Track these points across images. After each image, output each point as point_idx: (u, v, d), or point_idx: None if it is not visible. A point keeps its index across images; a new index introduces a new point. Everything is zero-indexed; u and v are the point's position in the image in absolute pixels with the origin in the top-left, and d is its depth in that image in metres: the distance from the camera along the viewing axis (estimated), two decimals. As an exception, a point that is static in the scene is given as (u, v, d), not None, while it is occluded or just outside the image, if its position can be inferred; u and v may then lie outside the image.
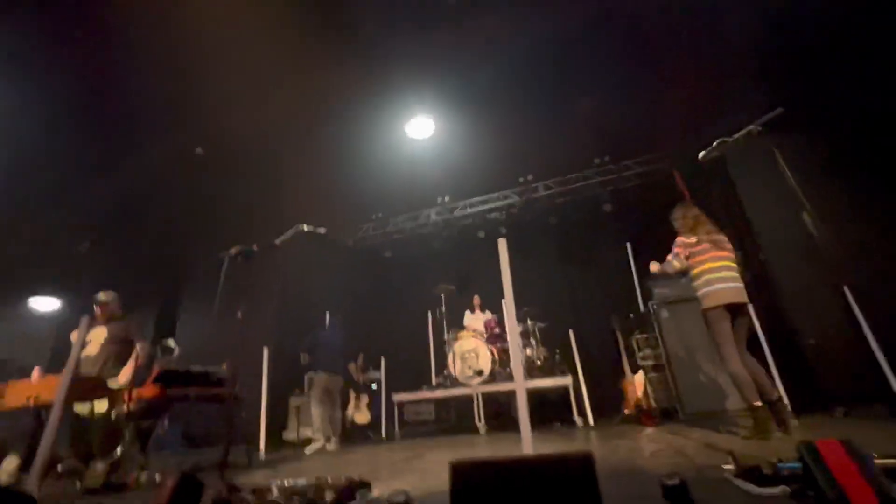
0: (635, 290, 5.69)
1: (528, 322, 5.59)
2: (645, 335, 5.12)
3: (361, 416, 5.86)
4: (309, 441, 4.78)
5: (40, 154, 5.78)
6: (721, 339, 2.77)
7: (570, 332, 5.22)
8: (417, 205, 8.10)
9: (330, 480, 1.75)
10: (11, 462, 2.86)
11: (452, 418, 6.32)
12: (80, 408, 3.15)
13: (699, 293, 2.89)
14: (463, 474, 1.06)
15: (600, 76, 5.55)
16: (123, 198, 6.95)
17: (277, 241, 2.36)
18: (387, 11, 5.02)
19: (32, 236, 7.08)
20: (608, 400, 5.11)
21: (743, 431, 2.68)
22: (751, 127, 1.64)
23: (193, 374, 3.38)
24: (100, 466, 2.71)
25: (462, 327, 6.03)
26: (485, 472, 1.06)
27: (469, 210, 7.86)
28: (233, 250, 2.20)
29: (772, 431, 2.48)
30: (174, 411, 4.02)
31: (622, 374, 4.83)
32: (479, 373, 5.14)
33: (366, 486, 1.74)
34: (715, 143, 1.87)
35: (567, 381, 4.71)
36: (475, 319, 6.30)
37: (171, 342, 3.71)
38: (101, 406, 3.25)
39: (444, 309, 6.32)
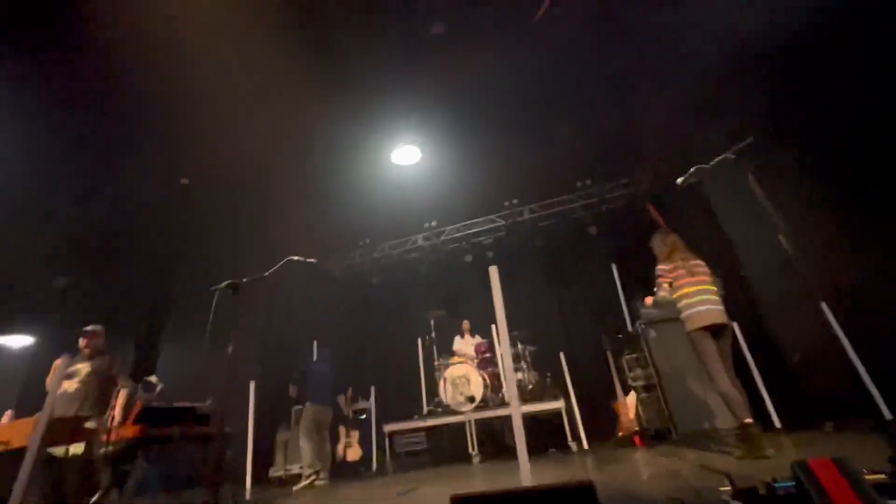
0: (623, 310, 5.76)
1: (519, 346, 5.58)
2: (635, 355, 5.15)
3: (353, 453, 5.66)
4: (297, 478, 4.60)
5: (14, 180, 5.63)
6: (707, 359, 2.83)
7: (562, 355, 5.22)
8: (405, 231, 8.14)
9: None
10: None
11: (445, 447, 6.17)
12: (56, 449, 3.00)
13: (681, 316, 2.99)
14: (464, 508, 1.04)
15: (580, 103, 5.78)
16: (101, 229, 6.82)
17: (267, 273, 2.35)
18: (372, 42, 5.17)
19: (1, 268, 6.84)
20: (601, 422, 5.08)
21: (736, 451, 2.69)
22: (725, 154, 1.74)
23: (177, 410, 3.26)
24: (75, 514, 2.56)
25: (452, 353, 5.98)
26: (486, 506, 1.05)
27: (456, 234, 7.93)
28: (223, 283, 2.17)
29: (764, 448, 2.50)
30: (154, 450, 3.85)
31: (614, 395, 4.83)
32: (471, 399, 5.07)
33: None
34: (692, 170, 1.97)
35: (560, 404, 4.68)
36: (465, 344, 6.26)
37: (153, 378, 3.58)
38: (77, 447, 3.09)
39: (433, 334, 6.27)
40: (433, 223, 7.96)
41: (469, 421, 4.96)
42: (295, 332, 7.10)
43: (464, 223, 7.90)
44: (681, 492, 1.80)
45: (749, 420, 2.63)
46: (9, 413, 3.16)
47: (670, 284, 2.99)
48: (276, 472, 5.52)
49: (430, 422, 5.17)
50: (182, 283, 7.66)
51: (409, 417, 5.42)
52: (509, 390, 1.86)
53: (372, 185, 6.92)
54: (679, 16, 4.28)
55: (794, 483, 1.21)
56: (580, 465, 3.62)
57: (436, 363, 5.85)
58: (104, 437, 3.05)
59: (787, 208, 2.02)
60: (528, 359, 5.60)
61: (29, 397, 3.92)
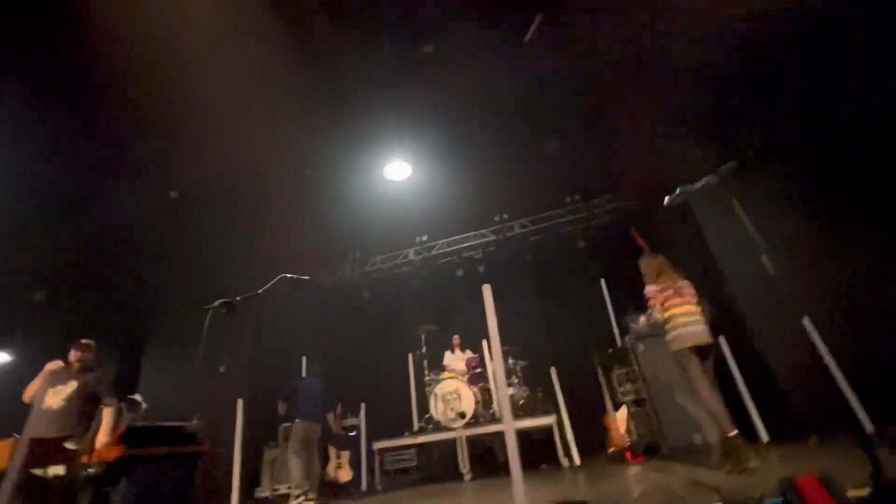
0: (612, 325, 5.81)
1: (510, 360, 5.58)
2: (624, 370, 5.19)
3: (344, 474, 5.54)
4: (285, 498, 4.49)
5: None
6: (693, 376, 2.93)
7: (552, 370, 5.23)
8: (396, 245, 8.16)
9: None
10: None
11: (435, 464, 6.09)
12: (36, 470, 2.89)
13: (668, 336, 3.09)
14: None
15: (568, 121, 5.92)
16: (85, 242, 6.69)
17: (260, 291, 2.34)
18: (366, 60, 5.25)
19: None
20: (592, 437, 5.08)
21: (725, 466, 2.73)
22: (709, 177, 1.81)
23: (163, 430, 3.19)
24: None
25: (443, 368, 5.95)
26: (483, 526, 1.05)
27: (447, 249, 7.97)
28: (216, 303, 2.16)
29: (748, 459, 2.56)
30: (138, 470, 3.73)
31: (604, 410, 4.85)
32: (462, 415, 5.03)
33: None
34: (678, 191, 2.04)
35: (551, 420, 4.68)
36: (455, 359, 6.23)
37: (137, 397, 3.50)
38: (57, 468, 2.99)
39: (424, 349, 6.23)
40: (424, 237, 8.00)
41: (460, 437, 4.92)
42: (283, 346, 7.00)
43: (455, 237, 7.95)
44: (672, 508, 1.82)
45: (733, 433, 2.69)
46: (-16, 433, 3.03)
47: (661, 304, 3.07)
48: (262, 492, 5.39)
49: (422, 438, 5.11)
50: (167, 299, 7.52)
51: (399, 434, 5.36)
52: (503, 408, 1.87)
53: (363, 200, 6.95)
54: (665, 39, 4.45)
55: (781, 499, 1.24)
56: (573, 482, 3.61)
57: (426, 378, 5.81)
58: (85, 458, 2.96)
59: (770, 228, 2.10)
60: (520, 374, 5.60)
61: (2, 416, 3.78)
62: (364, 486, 5.42)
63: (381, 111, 5.84)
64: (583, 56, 5.04)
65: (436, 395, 5.24)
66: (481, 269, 7.84)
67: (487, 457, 5.61)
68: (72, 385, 3.23)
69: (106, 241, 6.82)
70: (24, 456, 2.06)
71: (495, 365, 1.85)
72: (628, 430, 4.56)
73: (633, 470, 3.66)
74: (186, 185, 6.38)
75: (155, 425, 3.25)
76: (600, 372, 5.17)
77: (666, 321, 3.07)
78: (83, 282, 7.23)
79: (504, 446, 5.31)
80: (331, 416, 5.23)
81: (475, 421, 5.01)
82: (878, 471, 1.38)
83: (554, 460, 4.75)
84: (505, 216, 7.68)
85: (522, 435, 5.07)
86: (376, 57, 5.24)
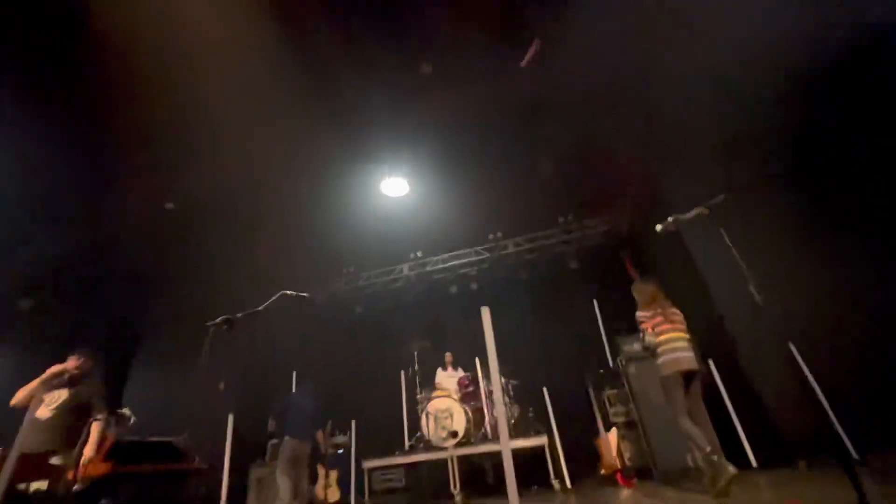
0: (604, 345, 5.86)
1: (502, 380, 5.57)
2: (616, 390, 5.21)
3: (332, 494, 5.43)
4: (271, 518, 4.40)
5: None
6: (676, 403, 3.11)
7: (545, 390, 5.24)
8: (390, 260, 8.18)
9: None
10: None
11: (425, 484, 6.00)
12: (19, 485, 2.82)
13: (658, 361, 3.23)
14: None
15: (562, 142, 6.06)
16: (74, 253, 6.62)
17: (261, 308, 2.36)
18: (366, 79, 5.37)
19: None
20: (583, 458, 5.06)
21: (711, 489, 2.77)
22: (699, 209, 1.91)
23: (151, 445, 3.13)
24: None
25: (434, 386, 5.92)
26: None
27: (441, 265, 8.01)
28: (218, 319, 2.17)
29: (728, 473, 2.61)
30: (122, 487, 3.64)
31: (596, 431, 4.85)
32: (454, 434, 5.00)
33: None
34: (670, 219, 2.13)
35: (543, 440, 4.66)
36: (447, 377, 6.21)
37: (126, 410, 3.44)
38: (40, 484, 2.92)
39: (416, 366, 6.21)
40: (419, 254, 8.04)
41: (451, 457, 4.88)
42: (273, 361, 6.93)
43: (449, 254, 8.00)
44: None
45: (708, 449, 2.80)
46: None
47: (652, 329, 3.17)
48: (248, 511, 5.26)
49: (413, 458, 5.06)
50: (156, 311, 7.43)
51: (389, 453, 5.29)
52: (500, 428, 1.89)
53: (359, 214, 7.00)
54: (660, 65, 4.63)
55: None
56: (564, 505, 3.59)
57: (418, 396, 5.77)
58: (71, 474, 2.89)
59: (758, 256, 2.19)
60: (511, 393, 5.59)
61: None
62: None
63: (380, 128, 5.94)
64: (578, 79, 5.20)
65: (427, 414, 5.21)
66: (475, 286, 7.88)
67: (478, 478, 5.54)
68: (63, 395, 3.17)
69: (97, 251, 6.77)
70: (11, 469, 2.02)
71: (494, 387, 1.88)
72: (619, 453, 4.56)
73: (624, 493, 3.66)
74: (182, 197, 6.39)
75: (143, 441, 3.19)
76: (592, 392, 5.19)
77: (658, 345, 3.17)
78: (72, 290, 7.13)
79: (495, 467, 5.28)
80: (320, 434, 5.15)
81: (467, 441, 4.97)
82: (862, 500, 1.43)
83: (544, 482, 4.72)
84: (499, 234, 7.76)
85: (513, 456, 5.03)
86: (377, 75, 5.36)
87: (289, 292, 2.41)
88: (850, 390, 3.33)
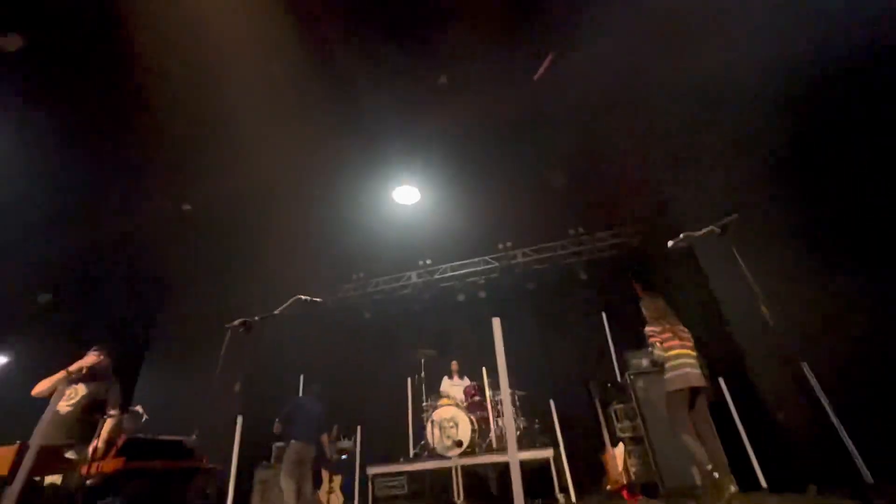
0: (612, 359, 5.82)
1: (508, 390, 5.55)
2: (623, 405, 5.16)
3: (335, 499, 5.44)
4: (274, 520, 4.42)
5: (9, 193, 5.55)
6: (678, 420, 3.14)
7: (551, 402, 5.21)
8: (399, 267, 8.24)
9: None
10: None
11: (427, 493, 5.97)
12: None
13: (666, 377, 3.24)
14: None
15: (573, 154, 6.08)
16: (90, 251, 6.77)
17: (277, 311, 2.41)
18: (381, 88, 5.46)
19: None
20: (589, 472, 5.01)
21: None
22: (711, 227, 1.92)
23: (162, 444, 3.18)
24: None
25: (440, 393, 5.92)
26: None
27: (450, 274, 8.04)
28: (236, 322, 2.23)
29: (728, 491, 2.60)
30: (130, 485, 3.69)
31: (602, 445, 4.81)
32: (459, 443, 4.99)
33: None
34: (681, 236, 2.15)
35: (549, 453, 4.63)
36: (453, 386, 6.21)
37: (139, 408, 3.50)
38: (53, 478, 2.98)
39: (423, 374, 6.21)
40: (428, 261, 8.08)
41: (455, 467, 4.86)
42: (281, 363, 6.98)
43: (458, 263, 8.03)
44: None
45: (709, 467, 2.81)
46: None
47: (661, 344, 3.18)
48: (252, 513, 5.29)
49: (417, 465, 5.05)
50: (169, 310, 7.54)
51: (394, 460, 5.29)
52: (508, 439, 1.91)
53: (370, 221, 7.07)
54: (673, 82, 4.65)
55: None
56: (568, 518, 3.57)
57: (424, 404, 5.77)
58: (84, 470, 2.95)
59: (770, 275, 2.19)
60: (518, 404, 5.57)
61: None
62: (355, 511, 5.32)
63: (395, 136, 6.02)
64: (590, 92, 5.23)
65: (433, 422, 5.20)
66: (483, 295, 7.90)
67: (481, 488, 5.51)
68: (81, 390, 3.23)
69: (113, 250, 6.91)
70: (31, 462, 2.08)
71: (503, 398, 1.89)
72: (626, 468, 4.52)
73: (630, 510, 3.62)
74: (197, 199, 6.52)
75: (154, 438, 3.23)
76: (599, 406, 5.15)
77: (667, 360, 3.17)
78: (86, 288, 7.28)
79: (499, 478, 5.25)
80: (325, 438, 5.18)
81: (471, 450, 4.96)
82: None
83: (549, 495, 4.68)
84: (508, 244, 7.77)
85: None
86: (393, 84, 5.45)
87: (303, 297, 2.45)
88: (864, 412, 3.27)
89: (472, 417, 5.20)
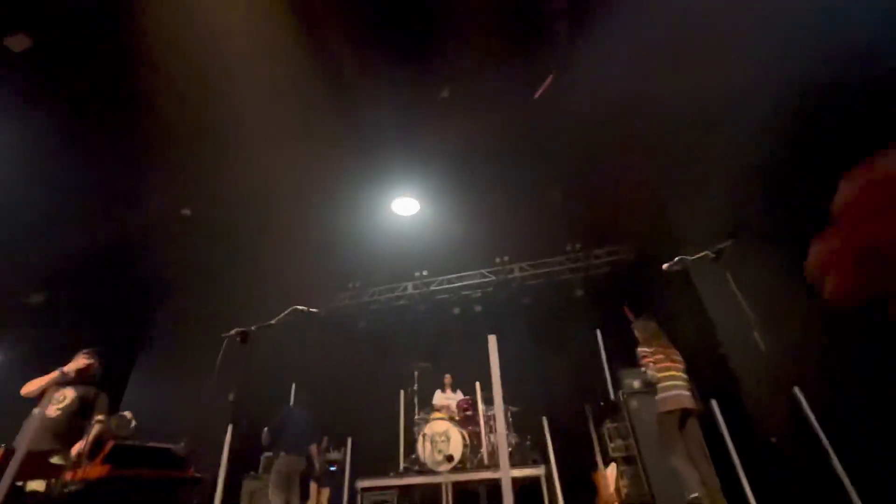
0: (606, 377, 5.81)
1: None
2: (616, 424, 5.15)
3: (323, 512, 5.36)
4: (260, 533, 4.33)
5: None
6: (670, 441, 3.18)
7: (544, 420, 5.18)
8: (395, 277, 8.24)
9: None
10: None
11: (416, 508, 5.89)
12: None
13: (657, 397, 3.31)
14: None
15: (572, 171, 6.15)
16: (81, 253, 6.72)
17: (273, 321, 2.40)
18: (383, 99, 5.52)
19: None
20: (580, 491, 4.96)
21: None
22: (706, 252, 1.96)
23: (150, 451, 3.14)
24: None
25: (432, 407, 5.87)
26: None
27: (446, 286, 8.04)
28: (232, 331, 2.22)
29: None
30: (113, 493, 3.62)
31: (594, 465, 4.77)
32: (450, 458, 4.93)
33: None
34: (676, 259, 2.18)
35: (540, 471, 4.59)
36: (446, 399, 6.16)
37: (128, 414, 3.45)
38: (37, 484, 2.92)
39: (416, 386, 6.17)
40: (424, 272, 8.09)
41: (446, 482, 4.80)
42: (272, 372, 6.91)
43: (454, 275, 8.05)
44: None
45: (694, 496, 2.84)
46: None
47: (653, 365, 3.21)
48: (237, 525, 5.19)
49: (407, 480, 4.99)
50: (162, 316, 7.48)
51: (384, 473, 5.22)
52: (500, 455, 1.90)
53: (369, 231, 7.10)
54: (673, 103, 4.73)
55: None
56: (559, 539, 3.53)
57: (416, 417, 5.72)
58: (69, 476, 2.90)
59: (764, 299, 2.21)
60: (510, 420, 5.53)
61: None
62: (342, 526, 5.23)
63: (396, 147, 6.08)
64: (592, 111, 5.31)
65: (424, 435, 5.15)
66: (478, 308, 7.90)
67: (471, 505, 5.44)
68: (69, 394, 3.20)
69: (107, 252, 6.87)
70: (16, 468, 2.05)
71: (497, 415, 1.90)
72: (617, 488, 4.48)
73: (621, 532, 3.58)
74: (196, 203, 6.52)
75: (142, 445, 3.19)
76: (591, 425, 5.13)
77: (659, 381, 3.21)
78: (80, 289, 7.22)
79: (489, 495, 5.19)
80: (313, 449, 5.11)
81: (462, 466, 4.91)
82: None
83: (540, 514, 4.63)
84: (505, 258, 7.81)
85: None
86: (395, 96, 5.51)
87: (300, 307, 2.46)
88: (855, 438, 3.28)
89: (464, 432, 5.16)
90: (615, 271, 7.19)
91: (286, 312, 2.45)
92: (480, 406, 5.45)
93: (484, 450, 5.16)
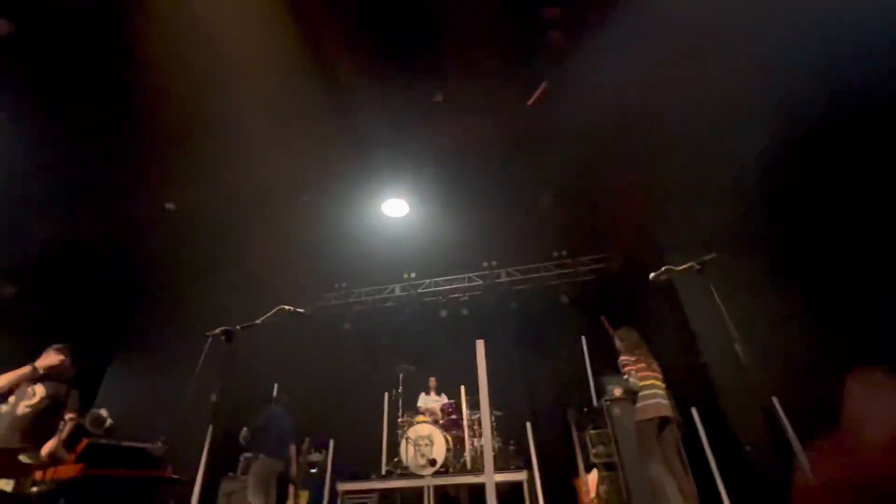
0: (589, 383, 5.86)
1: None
2: (598, 430, 5.18)
3: (301, 515, 5.26)
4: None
5: None
6: (647, 450, 3.24)
7: (528, 425, 5.21)
8: (383, 279, 8.19)
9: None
10: None
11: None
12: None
13: (638, 405, 3.38)
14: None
15: (562, 178, 6.21)
16: (61, 246, 6.53)
17: (259, 321, 2.37)
18: (378, 101, 5.50)
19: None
20: (561, 497, 4.99)
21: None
22: (691, 263, 2.00)
23: (126, 451, 3.06)
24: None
25: (416, 410, 5.85)
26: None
27: (434, 288, 8.03)
28: (217, 330, 2.19)
29: None
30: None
31: (576, 470, 4.80)
32: (433, 462, 4.92)
33: None
34: (662, 269, 2.22)
35: (522, 476, 4.61)
36: (430, 402, 6.15)
37: (103, 412, 3.36)
38: (4, 484, 2.82)
39: (400, 389, 6.13)
40: (412, 275, 8.06)
41: (428, 486, 4.79)
42: (256, 371, 6.81)
43: (442, 278, 8.04)
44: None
45: None
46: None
47: (636, 373, 3.29)
48: (214, 527, 5.08)
49: (389, 483, 4.95)
50: (142, 313, 7.31)
51: (365, 477, 5.18)
52: (485, 460, 1.90)
53: (357, 232, 7.04)
54: (663, 115, 4.81)
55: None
56: (539, 544, 3.54)
57: (400, 420, 5.69)
58: (39, 475, 2.81)
59: (746, 310, 2.27)
60: (494, 424, 5.54)
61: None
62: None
63: (388, 149, 6.06)
64: (584, 120, 5.37)
65: (408, 439, 5.14)
66: (465, 312, 7.90)
67: (453, 510, 5.42)
68: (39, 391, 3.09)
69: (89, 245, 6.69)
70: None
71: (483, 420, 1.90)
72: (598, 494, 4.52)
73: (601, 538, 3.62)
74: (182, 200, 6.40)
75: (117, 445, 3.11)
76: (574, 430, 5.16)
77: (641, 389, 3.28)
78: (54, 283, 7.00)
79: (471, 499, 5.18)
80: (292, 450, 5.01)
81: (445, 470, 4.90)
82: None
83: (520, 519, 4.64)
84: (493, 263, 7.83)
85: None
86: (387, 98, 5.50)
87: (287, 307, 2.43)
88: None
89: (447, 436, 5.15)
90: (601, 279, 7.27)
91: (272, 312, 2.42)
92: (465, 410, 5.45)
93: (467, 454, 5.16)
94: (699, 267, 1.99)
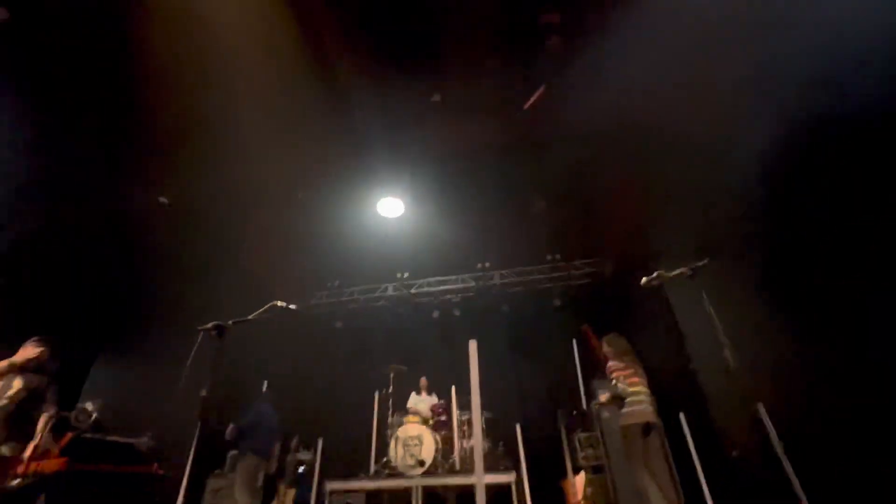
0: (579, 387, 5.90)
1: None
2: (587, 433, 5.22)
3: (287, 513, 5.23)
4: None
5: None
6: (634, 456, 3.30)
7: (518, 427, 5.22)
8: (376, 278, 8.17)
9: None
10: None
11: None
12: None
13: (624, 410, 3.44)
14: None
15: (557, 182, 6.25)
16: (50, 236, 6.43)
17: (251, 317, 2.36)
18: (376, 100, 5.49)
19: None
20: (549, 499, 5.01)
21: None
22: (683, 269, 2.02)
23: (111, 445, 3.02)
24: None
25: (407, 410, 5.84)
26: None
27: (427, 289, 8.03)
28: (209, 325, 2.17)
29: None
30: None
31: (564, 472, 4.83)
32: (422, 462, 4.91)
33: None
34: (655, 274, 2.25)
35: (511, 477, 4.62)
36: (421, 402, 6.14)
37: (89, 405, 3.31)
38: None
39: (391, 388, 6.12)
40: (405, 275, 8.05)
41: (417, 486, 4.77)
42: (246, 368, 6.75)
43: (435, 279, 8.04)
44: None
45: None
46: None
47: (625, 379, 3.34)
48: (200, 524, 5.02)
49: (378, 483, 4.93)
50: (131, 307, 7.21)
51: (353, 476, 5.16)
52: (476, 461, 1.91)
53: (352, 230, 7.02)
54: (660, 127, 4.86)
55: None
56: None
57: (389, 420, 5.67)
58: (21, 469, 2.76)
59: (734, 319, 2.29)
60: (483, 426, 5.54)
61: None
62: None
63: (384, 148, 6.05)
64: (579, 124, 5.41)
65: (397, 439, 5.12)
66: (457, 313, 7.91)
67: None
68: (18, 383, 3.04)
69: (79, 237, 6.59)
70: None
71: (474, 422, 1.90)
72: (585, 496, 4.55)
73: (587, 540, 3.64)
74: (177, 194, 6.33)
75: (102, 439, 3.07)
76: (563, 433, 5.19)
77: (628, 395, 3.33)
78: (39, 275, 6.88)
79: (459, 500, 5.17)
80: (276, 448, 4.96)
81: (434, 470, 4.89)
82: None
83: (508, 522, 4.64)
84: (487, 264, 7.85)
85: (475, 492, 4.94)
86: (385, 97, 5.49)
87: (280, 303, 2.42)
88: (813, 454, 3.41)
89: (437, 436, 5.15)
90: (593, 283, 7.32)
91: (264, 308, 2.40)
92: (455, 411, 5.45)
93: (456, 455, 5.16)
94: (691, 273, 2.01)
